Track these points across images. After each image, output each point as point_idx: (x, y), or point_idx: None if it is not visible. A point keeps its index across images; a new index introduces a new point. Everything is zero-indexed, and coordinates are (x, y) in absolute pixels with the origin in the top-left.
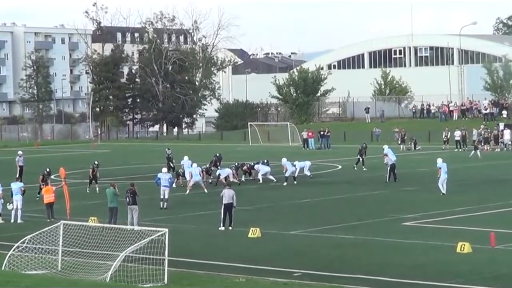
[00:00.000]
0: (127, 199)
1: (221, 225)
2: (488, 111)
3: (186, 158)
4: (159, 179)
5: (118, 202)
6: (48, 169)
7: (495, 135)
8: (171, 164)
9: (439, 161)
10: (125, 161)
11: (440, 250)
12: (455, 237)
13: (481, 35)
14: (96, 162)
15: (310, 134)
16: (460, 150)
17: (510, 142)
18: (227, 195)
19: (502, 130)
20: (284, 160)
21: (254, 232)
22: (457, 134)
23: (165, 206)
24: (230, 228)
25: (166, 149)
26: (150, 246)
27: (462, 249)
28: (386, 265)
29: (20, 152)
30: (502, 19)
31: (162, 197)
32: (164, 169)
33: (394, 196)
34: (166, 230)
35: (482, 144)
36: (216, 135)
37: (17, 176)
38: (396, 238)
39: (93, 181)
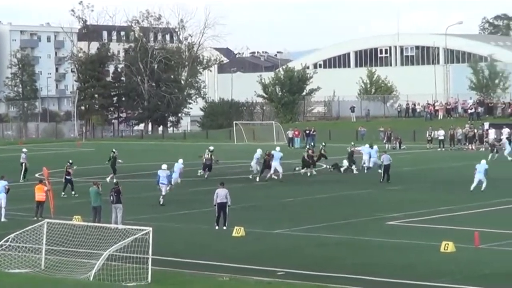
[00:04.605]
0: (111, 198)
1: (215, 224)
2: (473, 110)
3: (180, 161)
4: (159, 176)
5: (102, 201)
6: (70, 161)
7: (480, 135)
8: (116, 165)
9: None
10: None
11: (424, 249)
12: (439, 236)
13: (467, 35)
14: (70, 161)
15: (296, 133)
16: (443, 149)
17: (491, 141)
18: (221, 194)
19: (487, 130)
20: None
21: (238, 231)
22: (441, 133)
23: (162, 202)
24: (225, 227)
25: (113, 150)
26: (134, 245)
27: (446, 248)
28: (370, 265)
29: (24, 150)
30: (488, 19)
31: (163, 193)
32: (164, 166)
33: (379, 196)
34: (150, 229)
35: (467, 143)
36: (202, 134)
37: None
38: (380, 238)
39: (68, 184)
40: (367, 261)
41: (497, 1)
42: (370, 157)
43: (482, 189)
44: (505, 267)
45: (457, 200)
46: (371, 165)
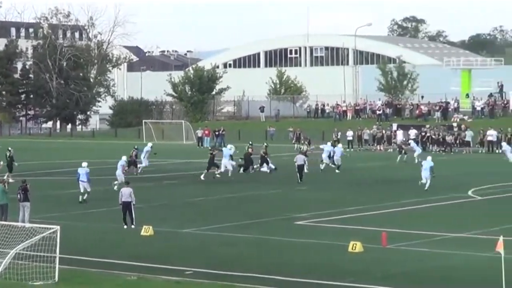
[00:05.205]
0: (19, 196)
1: (123, 224)
2: (381, 111)
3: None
4: (79, 174)
5: (8, 199)
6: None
7: (388, 136)
8: (14, 164)
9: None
10: (18, 158)
11: (332, 249)
12: (347, 236)
13: (376, 36)
14: None
15: (206, 132)
16: (351, 150)
17: (399, 143)
18: (125, 193)
19: (395, 131)
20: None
21: (146, 230)
22: (349, 134)
23: (84, 199)
24: (133, 226)
25: (8, 148)
26: (41, 244)
27: (353, 248)
28: (279, 264)
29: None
30: (397, 21)
31: (81, 191)
32: (84, 164)
33: (287, 195)
34: (58, 227)
35: (375, 144)
36: (110, 132)
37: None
38: (289, 237)
39: None
40: (275, 261)
41: (406, 3)
42: (330, 155)
43: (426, 187)
44: (412, 267)
45: (366, 200)
46: (336, 163)
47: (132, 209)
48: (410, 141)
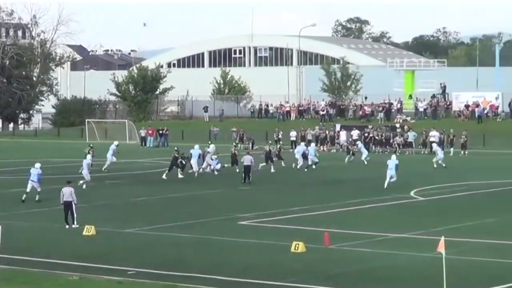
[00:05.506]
0: None
1: (65, 223)
2: (325, 112)
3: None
4: (30, 174)
5: None
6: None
7: (331, 136)
8: None
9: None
10: None
11: (274, 249)
12: (290, 236)
13: (320, 37)
14: None
15: (150, 132)
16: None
17: (345, 144)
18: (66, 192)
19: (339, 131)
20: None
21: (89, 230)
22: (292, 134)
23: (37, 199)
24: (74, 226)
25: None
26: None
27: (296, 248)
28: (221, 264)
29: None
30: (341, 22)
31: (27, 190)
32: (37, 165)
33: (230, 195)
34: None
35: (318, 144)
36: (53, 131)
37: None
38: (232, 237)
39: None
40: (218, 261)
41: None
42: (303, 155)
43: (395, 184)
44: (354, 267)
45: (309, 200)
46: (309, 162)
47: (74, 209)
48: (358, 142)
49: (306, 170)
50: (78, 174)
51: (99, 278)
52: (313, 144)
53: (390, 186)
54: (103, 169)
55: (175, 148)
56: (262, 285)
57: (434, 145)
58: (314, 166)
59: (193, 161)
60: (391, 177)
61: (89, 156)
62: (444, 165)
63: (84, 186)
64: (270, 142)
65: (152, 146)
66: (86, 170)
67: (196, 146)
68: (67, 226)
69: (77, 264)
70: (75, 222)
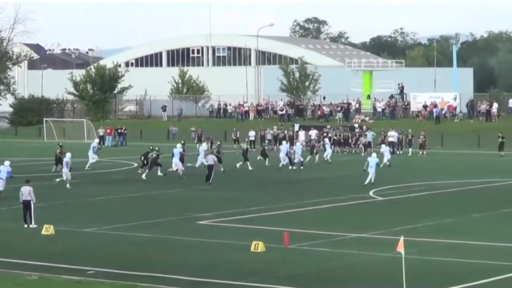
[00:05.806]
0: None
1: (24, 223)
2: (283, 112)
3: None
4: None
5: None
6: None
7: (290, 136)
8: None
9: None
10: None
11: (234, 249)
12: (249, 236)
13: (278, 37)
14: None
15: (108, 131)
16: (254, 149)
17: (305, 143)
18: (25, 191)
19: (297, 131)
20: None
21: (47, 230)
22: (251, 134)
23: None
24: (32, 225)
25: None
26: None
27: (256, 248)
28: (181, 264)
29: None
30: (299, 22)
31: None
32: (7, 162)
33: (188, 195)
34: None
35: (277, 144)
36: (11, 130)
37: None
38: (191, 237)
39: None
40: (177, 261)
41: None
42: (287, 154)
43: (372, 181)
44: (314, 267)
45: (268, 200)
46: (299, 159)
47: (32, 208)
48: (325, 140)
49: (290, 168)
50: (37, 173)
51: (58, 278)
52: (298, 143)
53: (349, 186)
54: (86, 167)
55: (156, 148)
56: (223, 284)
57: (383, 146)
58: (302, 167)
59: (175, 160)
60: (372, 174)
61: (68, 155)
62: (388, 163)
63: (68, 185)
64: (246, 140)
65: (110, 145)
66: (65, 169)
67: (178, 145)
68: (26, 226)
69: (36, 263)
70: (33, 222)
